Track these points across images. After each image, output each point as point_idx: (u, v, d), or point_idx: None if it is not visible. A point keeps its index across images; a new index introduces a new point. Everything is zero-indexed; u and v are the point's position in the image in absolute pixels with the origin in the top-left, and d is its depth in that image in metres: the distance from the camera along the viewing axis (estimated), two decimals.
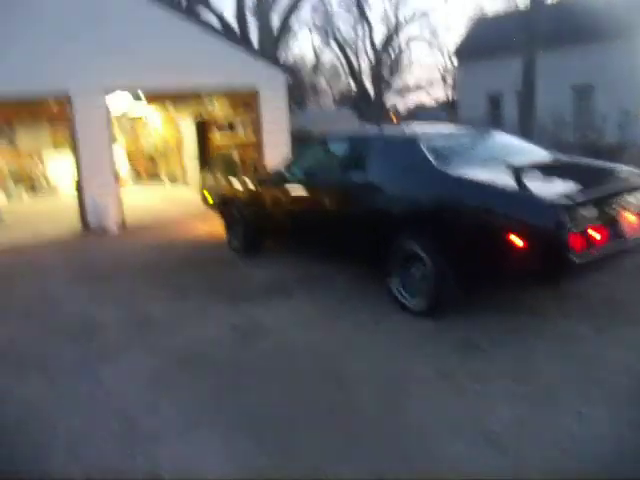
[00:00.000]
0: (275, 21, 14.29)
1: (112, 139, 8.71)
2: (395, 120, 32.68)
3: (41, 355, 3.89)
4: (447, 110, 23.97)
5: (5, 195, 13.34)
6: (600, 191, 3.60)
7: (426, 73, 45.43)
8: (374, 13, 53.94)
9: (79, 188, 8.36)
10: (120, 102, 10.33)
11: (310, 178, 5.14)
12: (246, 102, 10.02)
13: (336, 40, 25.90)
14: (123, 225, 8.63)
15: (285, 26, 14.28)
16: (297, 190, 5.17)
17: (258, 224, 5.93)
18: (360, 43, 26.38)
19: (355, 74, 26.12)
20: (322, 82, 34.20)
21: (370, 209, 4.30)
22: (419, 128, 5.11)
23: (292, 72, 10.37)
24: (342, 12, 26.89)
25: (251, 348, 3.75)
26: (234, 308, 4.51)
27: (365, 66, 26.24)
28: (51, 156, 14.09)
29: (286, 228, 5.58)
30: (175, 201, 11.19)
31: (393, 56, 28.03)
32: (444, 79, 29.51)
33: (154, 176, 15.15)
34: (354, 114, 25.50)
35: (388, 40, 26.19)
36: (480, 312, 3.98)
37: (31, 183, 13.89)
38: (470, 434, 2.56)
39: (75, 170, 8.35)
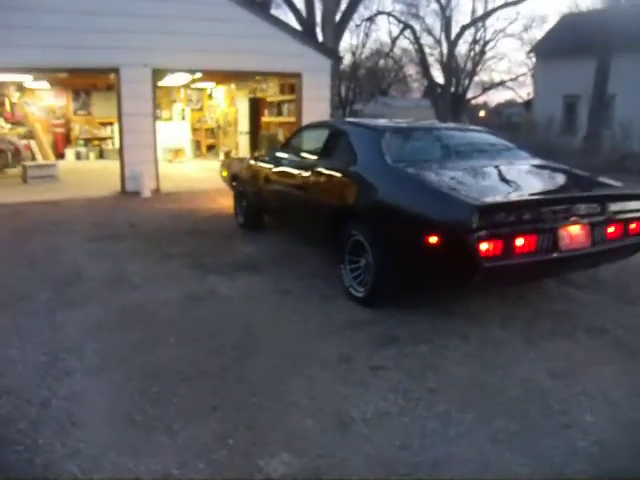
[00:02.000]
0: (343, 5, 14.26)
1: (154, 114, 9.25)
2: (483, 115, 31.71)
3: (19, 295, 4.36)
4: (523, 110, 22.95)
5: (75, 156, 14.50)
6: (539, 197, 3.48)
7: (516, 69, 43.42)
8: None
9: (121, 155, 9.01)
10: (180, 75, 10.96)
11: (290, 161, 5.34)
12: (291, 84, 10.25)
13: (410, 28, 25.29)
14: (157, 191, 9.21)
15: (352, 10, 14.14)
16: (281, 171, 5.38)
17: (256, 201, 6.19)
18: (440, 33, 25.59)
19: (427, 66, 25.50)
20: (411, 71, 33.80)
21: (331, 195, 4.41)
22: (391, 123, 5.10)
23: (338, 58, 10.41)
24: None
25: (189, 311, 4.03)
26: (202, 277, 4.80)
27: (446, 58, 25.43)
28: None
29: (273, 206, 5.81)
30: (217, 174, 11.66)
31: (477, 49, 27.07)
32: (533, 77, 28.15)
33: (213, 149, 15.81)
34: (432, 107, 25.10)
35: (469, 31, 25.21)
36: (421, 309, 3.99)
37: (100, 146, 14.96)
38: (326, 415, 2.66)
39: (118, 138, 9.01)
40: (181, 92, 16.09)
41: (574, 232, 3.44)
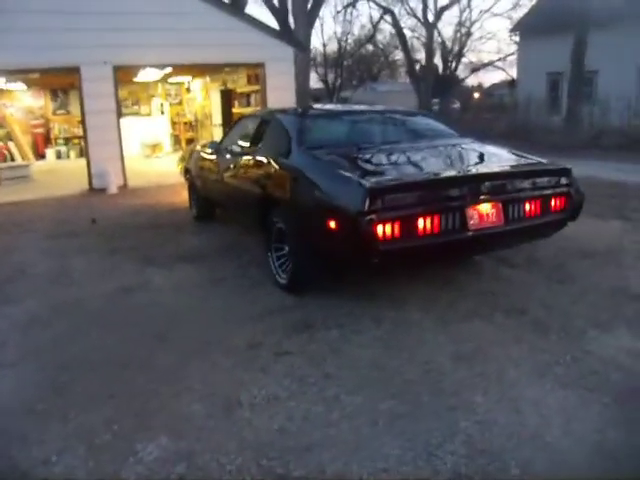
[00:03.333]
0: None
1: (118, 111, 9.26)
2: (477, 97, 31.37)
3: None
4: (508, 89, 22.76)
5: (55, 155, 14.55)
6: (440, 177, 3.42)
7: (506, 49, 42.90)
8: None
9: (86, 153, 9.05)
10: (152, 71, 10.95)
11: (226, 151, 5.36)
12: (257, 75, 10.23)
13: (390, 12, 25.02)
14: (124, 187, 9.25)
15: None
16: (218, 162, 5.43)
17: (204, 192, 6.21)
18: (422, 13, 25.26)
19: (407, 49, 25.28)
20: (399, 56, 33.52)
21: (257, 183, 4.41)
22: (319, 108, 5.10)
23: (302, 46, 10.37)
24: None
25: (118, 303, 4.09)
26: (141, 269, 4.84)
27: (426, 40, 25.16)
28: None
29: (216, 197, 5.83)
30: None
31: (463, 30, 26.81)
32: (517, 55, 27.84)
33: (191, 142, 15.80)
34: (415, 90, 24.90)
35: (454, 12, 24.91)
36: (345, 294, 4.00)
37: (80, 145, 14.97)
38: (215, 400, 2.70)
39: (83, 136, 9.04)
40: (159, 87, 16.08)
41: (484, 211, 3.40)
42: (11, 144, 12.71)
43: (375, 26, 26.83)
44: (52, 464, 2.31)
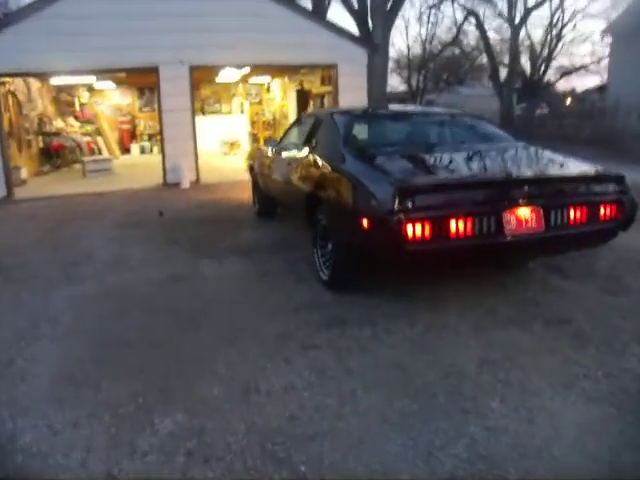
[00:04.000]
0: None
1: (193, 109, 9.71)
2: (570, 102, 29.90)
3: (32, 274, 4.85)
4: (598, 95, 21.49)
5: (139, 150, 15.48)
6: (476, 178, 3.35)
7: (602, 51, 40.40)
8: None
9: (162, 149, 9.57)
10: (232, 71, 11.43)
11: (283, 149, 5.51)
12: (329, 76, 10.37)
13: (474, 14, 24.30)
14: (197, 182, 9.70)
15: None
16: (277, 160, 5.57)
17: (265, 189, 6.40)
18: (507, 15, 24.35)
19: (491, 53, 24.44)
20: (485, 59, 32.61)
21: (305, 181, 4.50)
22: (367, 109, 5.08)
23: (375, 47, 10.37)
24: None
25: (165, 290, 4.32)
26: (194, 260, 5.08)
27: (511, 43, 24.24)
28: None
29: (274, 194, 5.98)
30: None
31: (554, 32, 25.60)
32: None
33: None
34: (497, 94, 24.10)
35: (544, 13, 23.83)
36: (386, 294, 3.98)
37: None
38: (235, 384, 2.81)
39: (160, 133, 9.58)
40: (239, 87, 16.67)
41: (523, 215, 3.29)
42: (99, 139, 13.71)
43: (459, 28, 26.22)
44: (80, 426, 2.52)
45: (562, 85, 30.93)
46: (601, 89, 21.78)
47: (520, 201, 3.28)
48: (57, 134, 12.35)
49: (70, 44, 8.45)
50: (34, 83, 11.85)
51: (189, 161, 9.55)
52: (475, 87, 35.37)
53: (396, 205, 3.02)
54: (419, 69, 30.14)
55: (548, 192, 3.37)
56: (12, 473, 2.26)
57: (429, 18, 28.56)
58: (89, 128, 13.89)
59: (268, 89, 16.83)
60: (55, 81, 12.10)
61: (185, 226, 6.53)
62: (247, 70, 12.35)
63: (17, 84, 10.69)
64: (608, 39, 19.06)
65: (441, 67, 35.45)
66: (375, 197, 3.25)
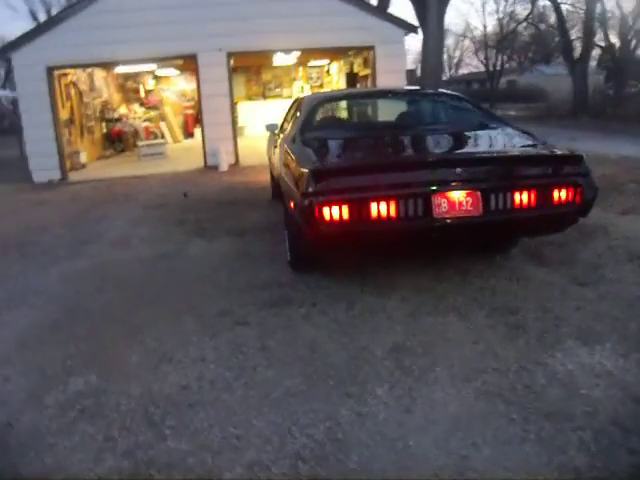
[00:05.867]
0: None
1: (231, 94, 10.03)
2: None
3: (43, 251, 5.37)
4: None
5: (201, 134, 16.16)
6: (402, 159, 3.29)
7: None
8: None
9: (202, 133, 10.01)
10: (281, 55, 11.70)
11: (276, 134, 5.60)
12: (367, 57, 10.30)
13: None
14: (235, 165, 10.08)
15: None
16: (271, 143, 5.72)
17: (271, 172, 6.58)
18: None
19: (564, 29, 22.73)
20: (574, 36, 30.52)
21: (277, 164, 4.61)
22: (339, 91, 5.04)
23: (413, 28, 10.11)
24: None
25: (148, 267, 4.65)
26: (187, 240, 5.38)
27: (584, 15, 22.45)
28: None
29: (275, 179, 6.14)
30: None
31: None
32: None
33: None
34: (569, 72, 22.56)
35: None
36: (351, 278, 4.02)
37: None
38: (154, 355, 3.03)
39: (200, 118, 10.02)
40: (299, 70, 16.89)
41: (456, 198, 3.18)
42: (162, 124, 14.48)
43: (533, 3, 24.71)
44: (9, 381, 2.88)
45: None
46: None
47: (453, 184, 3.20)
48: (118, 120, 13.23)
49: (118, 36, 9.02)
50: (98, 72, 12.74)
51: (228, 145, 9.92)
52: (558, 65, 33.29)
53: (310, 188, 3.07)
54: (497, 48, 28.83)
55: (488, 174, 3.26)
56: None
57: None
58: (153, 114, 14.71)
59: (328, 72, 16.91)
60: (119, 70, 12.91)
61: (200, 208, 6.86)
62: (297, 53, 12.51)
63: (79, 74, 11.56)
64: None
65: (526, 45, 33.68)
66: (298, 180, 3.32)
